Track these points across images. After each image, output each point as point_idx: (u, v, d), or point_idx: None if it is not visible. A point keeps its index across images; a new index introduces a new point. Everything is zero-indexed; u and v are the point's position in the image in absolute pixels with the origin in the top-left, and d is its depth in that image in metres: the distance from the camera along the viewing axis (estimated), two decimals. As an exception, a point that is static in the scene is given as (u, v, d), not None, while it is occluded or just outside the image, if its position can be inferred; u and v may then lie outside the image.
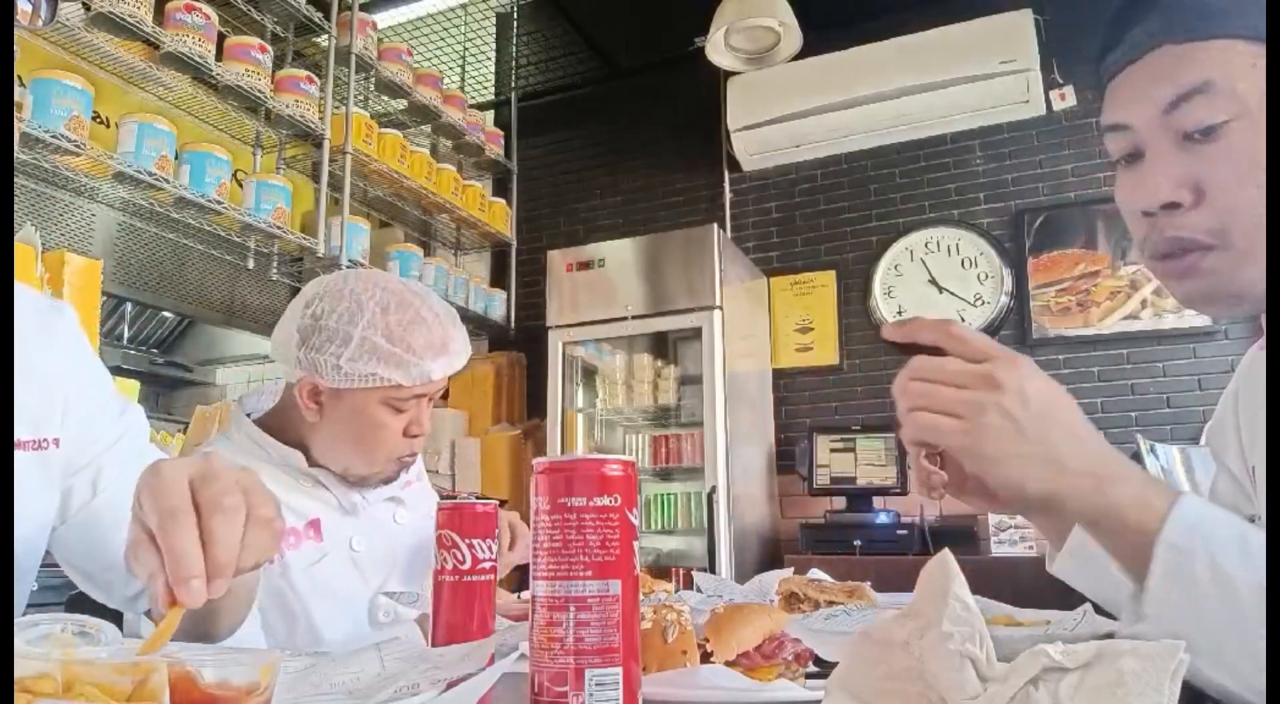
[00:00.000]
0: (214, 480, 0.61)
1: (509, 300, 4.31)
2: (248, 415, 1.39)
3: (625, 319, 3.53)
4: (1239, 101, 0.71)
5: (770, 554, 3.51)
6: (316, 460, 1.35)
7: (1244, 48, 0.71)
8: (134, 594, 0.90)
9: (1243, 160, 0.71)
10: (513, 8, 4.56)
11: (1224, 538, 0.60)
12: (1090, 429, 0.67)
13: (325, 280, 1.34)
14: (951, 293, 3.68)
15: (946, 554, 0.46)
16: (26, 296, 0.93)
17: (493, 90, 4.76)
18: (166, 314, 3.86)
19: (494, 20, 4.64)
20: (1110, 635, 0.72)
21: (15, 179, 2.45)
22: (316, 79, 3.20)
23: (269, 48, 3.04)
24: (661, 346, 3.77)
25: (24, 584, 0.88)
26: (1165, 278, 0.78)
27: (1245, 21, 0.71)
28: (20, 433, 0.86)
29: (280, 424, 1.36)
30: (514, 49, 4.61)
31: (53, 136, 2.36)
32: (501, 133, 4.39)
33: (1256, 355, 0.87)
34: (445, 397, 3.85)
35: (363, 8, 3.56)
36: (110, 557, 0.89)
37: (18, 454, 0.85)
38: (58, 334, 0.93)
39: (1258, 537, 0.60)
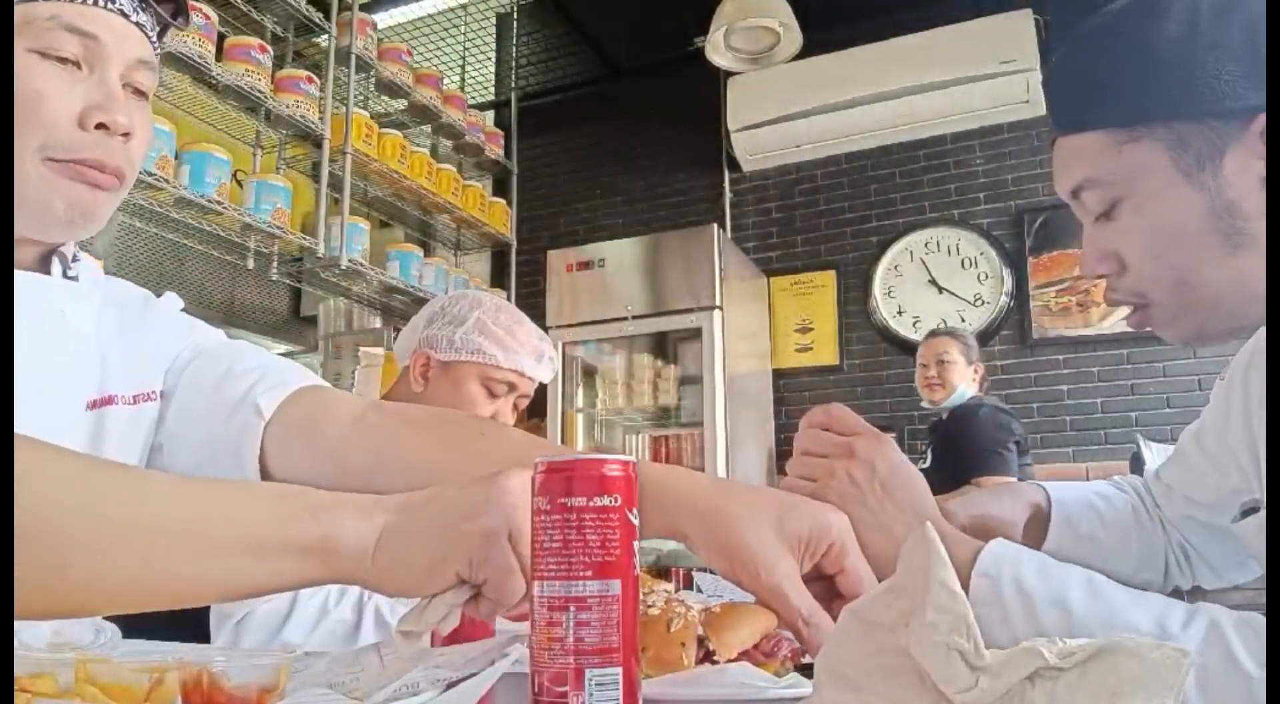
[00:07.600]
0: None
1: (509, 301, 4.30)
2: None
3: (625, 319, 3.53)
4: (1117, 187, 0.77)
5: (770, 554, 3.51)
6: None
7: (1107, 137, 0.77)
8: None
9: (1144, 234, 0.77)
10: (513, 8, 4.56)
11: (1027, 564, 0.68)
12: (928, 507, 0.76)
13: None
14: (951, 293, 3.68)
15: (928, 529, 0.45)
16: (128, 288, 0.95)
17: (493, 90, 4.76)
18: (166, 314, 3.87)
19: (494, 20, 4.64)
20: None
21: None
22: (316, 79, 3.20)
23: (269, 48, 3.04)
24: (661, 347, 3.77)
25: None
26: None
27: (1104, 113, 0.77)
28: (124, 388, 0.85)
29: None
30: (514, 49, 4.61)
31: (53, 136, 2.36)
32: (501, 133, 4.39)
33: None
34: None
35: (363, 8, 3.56)
36: None
37: (119, 409, 0.84)
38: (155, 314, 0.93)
39: (1055, 564, 0.68)
